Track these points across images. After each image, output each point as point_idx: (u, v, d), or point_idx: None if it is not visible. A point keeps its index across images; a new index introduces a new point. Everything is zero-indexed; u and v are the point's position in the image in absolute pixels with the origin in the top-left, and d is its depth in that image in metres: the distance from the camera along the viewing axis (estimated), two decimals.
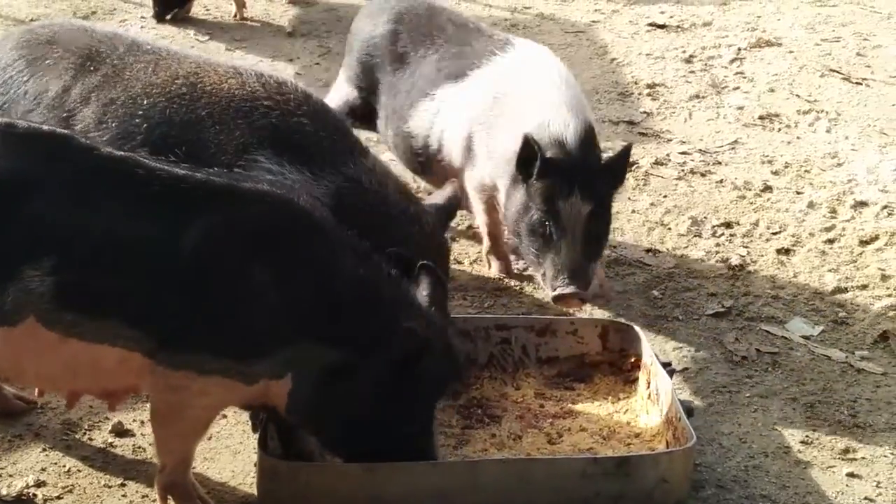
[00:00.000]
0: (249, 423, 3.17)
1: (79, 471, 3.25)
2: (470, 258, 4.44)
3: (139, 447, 3.35)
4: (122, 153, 2.92)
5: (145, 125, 3.30)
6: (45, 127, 3.01)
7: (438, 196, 3.66)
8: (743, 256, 4.51)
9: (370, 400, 2.87)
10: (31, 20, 6.42)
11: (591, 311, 4.08)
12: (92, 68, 3.43)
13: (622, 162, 3.92)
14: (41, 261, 2.70)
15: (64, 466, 3.26)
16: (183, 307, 2.76)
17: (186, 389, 2.81)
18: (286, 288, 2.80)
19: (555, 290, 3.76)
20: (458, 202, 3.70)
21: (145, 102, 3.35)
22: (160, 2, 6.55)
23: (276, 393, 2.86)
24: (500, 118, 4.00)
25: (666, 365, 3.46)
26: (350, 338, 2.85)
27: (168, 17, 6.59)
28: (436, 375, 2.94)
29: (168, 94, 3.36)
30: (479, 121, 4.07)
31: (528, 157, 3.76)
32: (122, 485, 3.20)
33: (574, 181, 3.76)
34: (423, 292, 3.02)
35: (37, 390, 3.13)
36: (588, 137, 3.89)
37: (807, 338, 4.03)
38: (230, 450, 3.37)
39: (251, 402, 2.95)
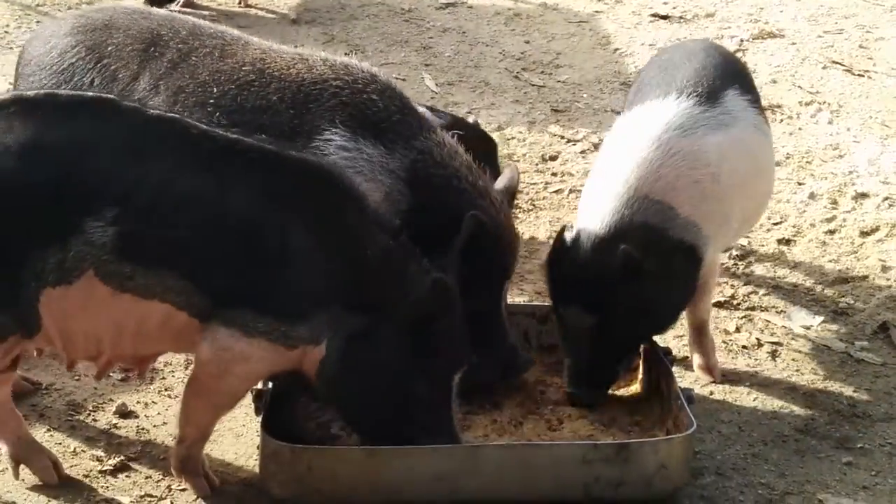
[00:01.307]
0: (252, 406, 3.19)
1: (83, 451, 3.27)
2: None
3: (143, 428, 3.38)
4: (171, 114, 3.01)
5: (217, 113, 3.30)
6: (90, 92, 3.15)
7: (500, 180, 3.67)
8: (744, 246, 4.52)
9: (393, 367, 2.95)
10: (37, 6, 6.43)
11: None
12: (157, 54, 3.41)
13: (623, 262, 3.26)
14: (103, 212, 2.81)
15: (68, 447, 3.29)
16: (232, 264, 2.87)
17: (230, 351, 2.89)
18: (325, 252, 2.90)
19: (567, 385, 3.49)
20: (517, 185, 3.69)
21: (215, 90, 3.35)
22: None
23: (311, 360, 2.93)
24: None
25: (667, 353, 3.48)
26: (379, 305, 2.94)
27: (174, 5, 6.54)
28: (454, 341, 3.02)
29: (237, 81, 3.37)
30: None
31: (554, 246, 3.43)
32: (127, 466, 3.23)
33: (574, 289, 3.35)
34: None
35: (67, 362, 3.17)
36: (618, 236, 3.32)
37: (807, 328, 4.05)
38: (233, 432, 3.39)
39: (284, 371, 3.00)
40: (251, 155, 2.94)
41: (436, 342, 2.97)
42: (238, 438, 3.37)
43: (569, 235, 3.42)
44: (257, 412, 3.15)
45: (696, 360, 3.77)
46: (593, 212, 3.42)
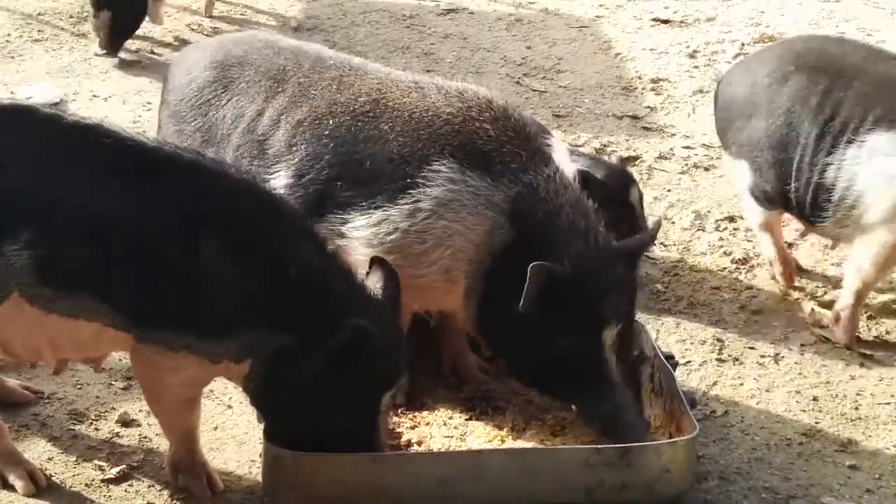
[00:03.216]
0: (255, 413, 3.19)
1: (85, 461, 3.27)
2: None
3: (145, 437, 3.37)
4: (90, 122, 2.95)
5: (332, 144, 3.34)
6: (7, 101, 3.08)
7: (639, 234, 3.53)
8: (746, 250, 4.52)
9: (313, 387, 2.88)
10: (39, 14, 6.44)
11: None
12: (280, 89, 3.49)
13: None
14: (19, 233, 2.77)
15: (70, 456, 3.28)
16: (148, 283, 2.81)
17: (158, 365, 2.88)
18: (244, 270, 2.83)
19: None
20: (647, 243, 3.48)
21: (331, 122, 3.38)
22: (112, 34, 5.90)
23: (237, 373, 2.93)
24: None
25: (669, 358, 3.47)
26: (301, 324, 2.86)
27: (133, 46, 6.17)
28: (376, 371, 2.94)
29: (353, 113, 3.38)
30: None
31: None
32: (129, 475, 3.22)
33: None
34: (376, 285, 3.03)
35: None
36: None
37: (811, 331, 4.04)
38: (236, 440, 3.38)
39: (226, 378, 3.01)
40: (166, 165, 2.86)
41: (358, 372, 2.87)
42: (241, 446, 3.36)
43: None
44: (260, 420, 3.14)
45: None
46: None
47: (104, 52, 5.93)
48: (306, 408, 2.91)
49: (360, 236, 3.30)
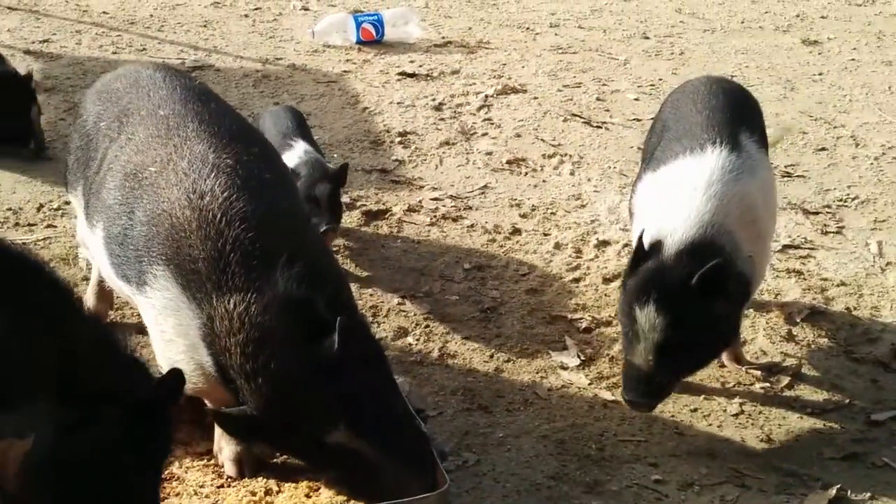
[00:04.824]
0: None
1: None
2: None
3: None
4: None
5: (121, 206, 3.41)
6: None
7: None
8: (495, 298, 4.62)
9: (99, 465, 2.73)
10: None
11: None
12: (116, 136, 3.61)
13: (715, 278, 3.56)
14: None
15: None
16: None
17: None
18: (24, 340, 2.70)
19: (623, 391, 3.71)
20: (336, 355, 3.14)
21: (127, 185, 3.42)
22: None
23: (14, 457, 2.73)
24: (655, 212, 3.88)
25: (420, 411, 3.50)
26: (90, 397, 2.72)
27: None
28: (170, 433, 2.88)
29: (139, 178, 3.41)
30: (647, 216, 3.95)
31: (636, 255, 3.68)
32: None
33: (652, 290, 3.59)
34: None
35: None
36: (695, 247, 3.64)
37: (557, 375, 4.15)
38: None
39: None
40: None
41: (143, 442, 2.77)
42: None
43: (653, 242, 3.68)
44: None
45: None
46: (664, 223, 3.71)
47: None
48: (89, 484, 2.72)
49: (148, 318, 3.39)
